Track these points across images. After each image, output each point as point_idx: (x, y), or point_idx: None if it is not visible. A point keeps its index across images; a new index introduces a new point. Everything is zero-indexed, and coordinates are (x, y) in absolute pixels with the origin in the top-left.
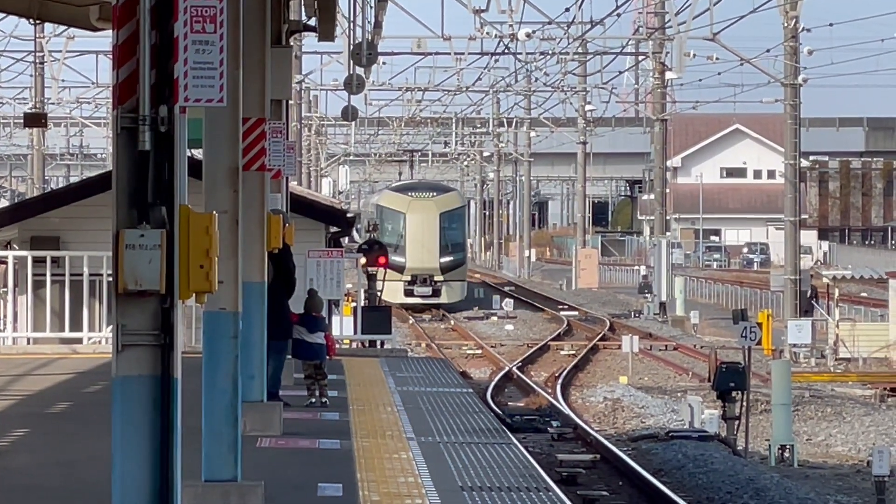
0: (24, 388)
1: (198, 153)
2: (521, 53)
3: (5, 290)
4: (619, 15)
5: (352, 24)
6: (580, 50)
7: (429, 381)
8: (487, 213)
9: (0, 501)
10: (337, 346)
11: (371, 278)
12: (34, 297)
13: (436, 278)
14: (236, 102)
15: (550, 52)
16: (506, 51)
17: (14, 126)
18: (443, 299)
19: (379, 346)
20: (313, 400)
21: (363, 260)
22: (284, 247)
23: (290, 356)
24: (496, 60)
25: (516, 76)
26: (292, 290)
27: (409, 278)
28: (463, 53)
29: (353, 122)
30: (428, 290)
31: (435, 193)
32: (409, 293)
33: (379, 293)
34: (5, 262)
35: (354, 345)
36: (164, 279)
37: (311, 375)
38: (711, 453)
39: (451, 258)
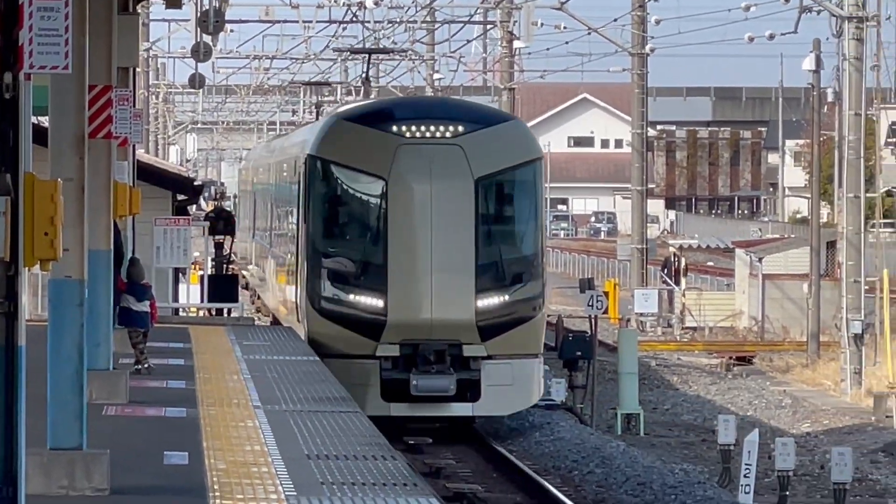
0: None
1: (43, 120)
2: (368, 21)
3: None
4: None
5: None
6: (428, 18)
7: (276, 349)
8: None
9: None
10: (176, 312)
11: (218, 247)
12: None
13: (467, 349)
14: (82, 70)
15: (398, 20)
16: (353, 19)
17: None
18: (486, 408)
19: (226, 315)
20: (139, 367)
21: (208, 227)
22: None
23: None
24: (344, 28)
25: (364, 44)
26: (120, 260)
27: (393, 350)
28: (311, 21)
29: (201, 90)
30: (445, 381)
31: (462, 127)
32: (394, 388)
33: (226, 262)
34: None
35: (201, 313)
36: (8, 246)
37: (140, 343)
38: (558, 422)
39: (506, 298)
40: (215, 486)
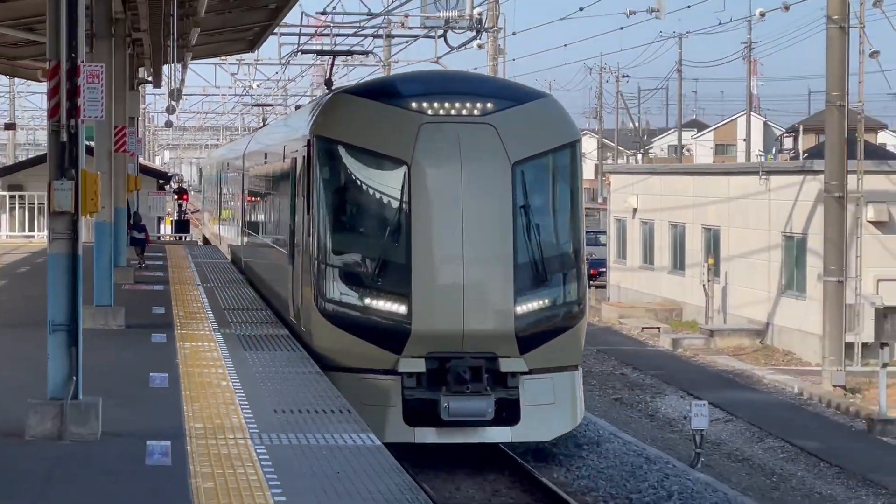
0: (9, 259)
1: (91, 143)
2: (255, 95)
3: None
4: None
5: (169, 79)
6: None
7: (208, 256)
8: None
9: None
10: (158, 238)
11: (180, 206)
12: (9, 215)
13: (504, 363)
14: (110, 118)
15: (271, 94)
16: (247, 93)
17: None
18: (526, 432)
19: (183, 240)
20: (140, 265)
21: (175, 196)
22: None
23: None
24: (243, 98)
25: (251, 108)
26: (130, 213)
27: (418, 366)
28: (226, 95)
29: (170, 128)
30: (482, 404)
31: (492, 103)
32: (420, 410)
33: (184, 213)
34: None
35: (171, 239)
36: (73, 205)
37: (139, 254)
38: None
39: (547, 301)
40: (178, 323)
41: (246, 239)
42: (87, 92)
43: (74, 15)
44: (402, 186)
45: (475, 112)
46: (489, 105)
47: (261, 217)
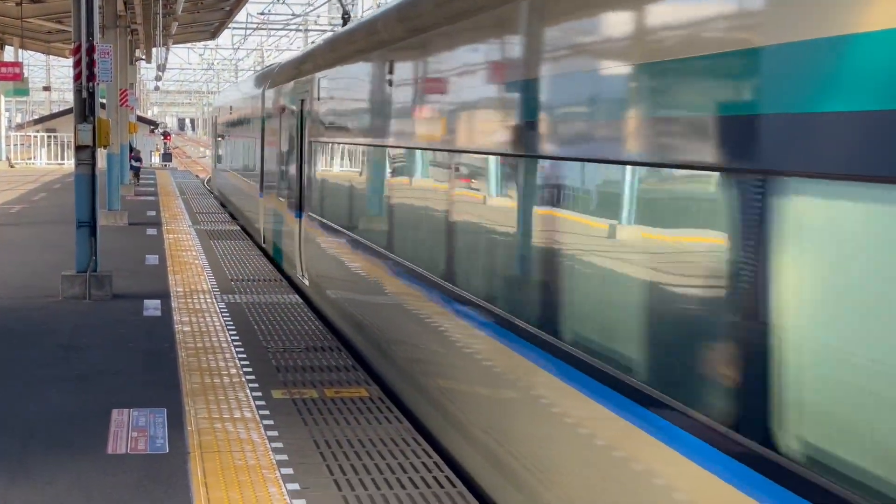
0: (47, 178)
1: (103, 100)
2: (215, 69)
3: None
4: None
5: (156, 58)
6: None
7: (185, 177)
8: None
9: (34, 220)
10: (146, 166)
11: (165, 144)
12: (47, 149)
13: None
14: (117, 82)
15: (226, 69)
16: (210, 68)
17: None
18: None
19: (167, 167)
20: (137, 183)
21: (162, 137)
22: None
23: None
24: (210, 67)
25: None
26: (131, 148)
27: None
28: (196, 69)
29: (157, 91)
30: None
31: None
32: None
33: (168, 149)
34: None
35: (159, 166)
36: (93, 140)
37: (137, 174)
38: None
39: None
40: (164, 221)
41: None
42: (100, 64)
43: (91, 11)
44: None
45: None
46: None
47: None
